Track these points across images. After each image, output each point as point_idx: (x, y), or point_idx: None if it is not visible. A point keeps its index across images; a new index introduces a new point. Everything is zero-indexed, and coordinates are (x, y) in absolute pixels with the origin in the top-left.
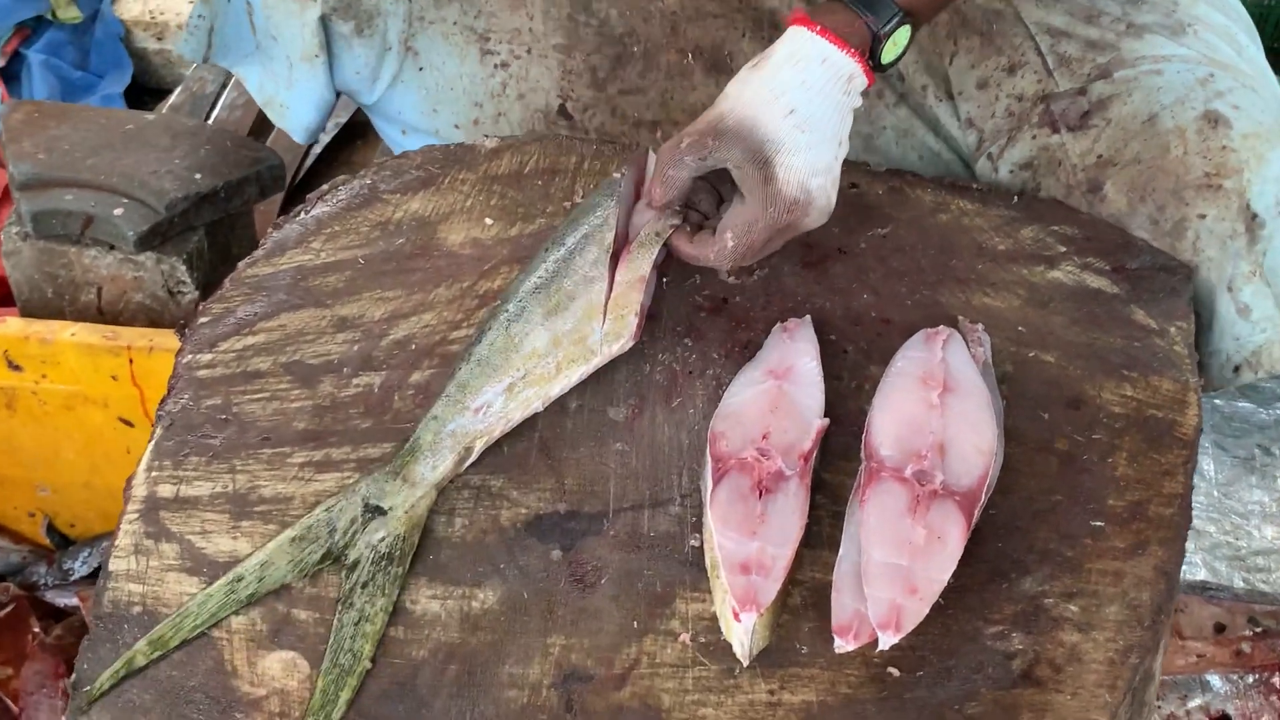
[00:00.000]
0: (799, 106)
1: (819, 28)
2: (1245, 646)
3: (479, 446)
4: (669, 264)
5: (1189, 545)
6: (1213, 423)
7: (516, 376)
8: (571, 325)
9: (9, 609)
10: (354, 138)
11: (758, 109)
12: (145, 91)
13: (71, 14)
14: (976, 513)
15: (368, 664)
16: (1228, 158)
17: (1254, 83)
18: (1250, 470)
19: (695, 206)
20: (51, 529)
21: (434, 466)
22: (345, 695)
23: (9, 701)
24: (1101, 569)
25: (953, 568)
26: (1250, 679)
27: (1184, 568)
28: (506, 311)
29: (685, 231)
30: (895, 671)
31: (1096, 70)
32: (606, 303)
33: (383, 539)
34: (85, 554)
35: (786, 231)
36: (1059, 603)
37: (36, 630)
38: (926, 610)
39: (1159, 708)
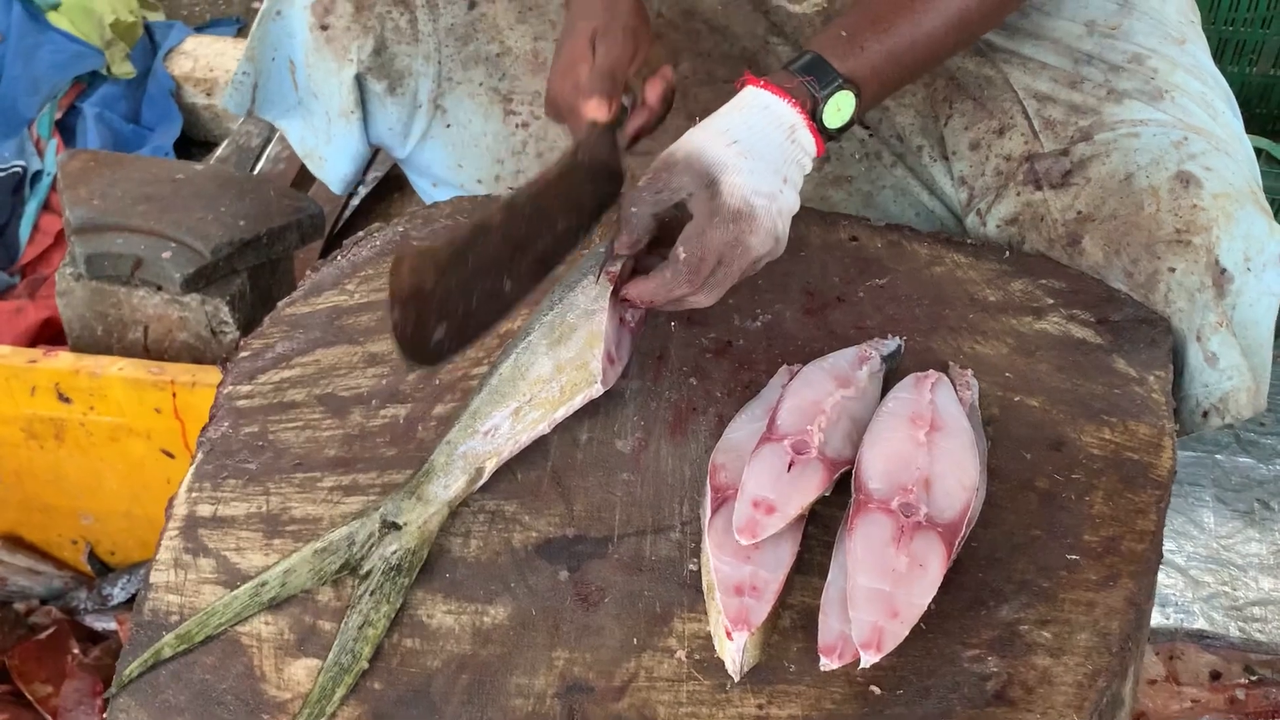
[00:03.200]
0: (741, 139)
1: (763, 83)
2: (1239, 693)
3: (490, 467)
4: (676, 313)
5: (1188, 595)
6: (1214, 477)
7: (523, 400)
8: (574, 353)
9: (50, 631)
10: (391, 190)
11: (704, 143)
12: (194, 144)
13: (126, 69)
14: (958, 544)
15: (364, 664)
16: (1197, 215)
17: (1227, 146)
18: (1250, 523)
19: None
20: (92, 556)
21: (446, 486)
22: (340, 692)
23: (49, 717)
24: (1075, 599)
25: (932, 593)
26: None
27: (1182, 617)
28: (516, 347)
29: (640, 277)
30: (877, 690)
31: (1079, 133)
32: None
33: (395, 551)
34: (124, 580)
35: (735, 250)
36: (1033, 629)
37: (75, 651)
38: (906, 632)
39: None
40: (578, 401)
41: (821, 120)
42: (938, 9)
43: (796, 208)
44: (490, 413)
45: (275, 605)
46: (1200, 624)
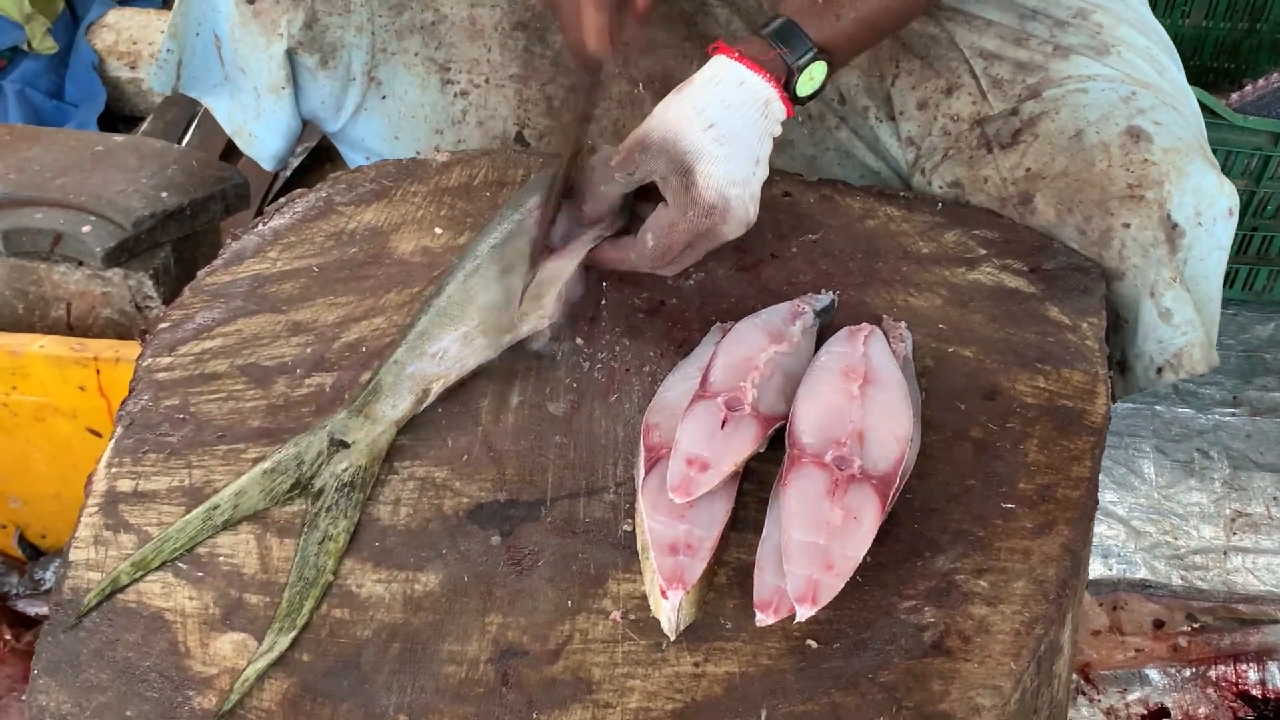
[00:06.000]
0: (718, 121)
1: (738, 54)
2: (1182, 641)
3: (436, 389)
4: (607, 273)
5: (1130, 546)
6: (1154, 428)
7: (471, 325)
8: (529, 283)
9: None
10: (324, 160)
11: (680, 124)
12: (119, 119)
13: (47, 45)
14: (892, 496)
15: (330, 577)
16: (1149, 170)
17: (1174, 101)
18: (1189, 473)
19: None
20: (23, 540)
21: (394, 405)
22: (309, 605)
23: None
24: (1011, 547)
25: (867, 545)
26: (1188, 672)
27: (1124, 567)
28: (464, 268)
29: (607, 245)
30: (813, 644)
31: (1026, 90)
32: (525, 289)
33: (346, 469)
34: (56, 564)
35: (706, 238)
36: (970, 579)
37: (7, 637)
38: (841, 585)
39: (1099, 700)
40: (524, 330)
41: (794, 90)
42: None
43: (765, 176)
44: (439, 335)
45: (203, 568)
46: (1143, 574)
